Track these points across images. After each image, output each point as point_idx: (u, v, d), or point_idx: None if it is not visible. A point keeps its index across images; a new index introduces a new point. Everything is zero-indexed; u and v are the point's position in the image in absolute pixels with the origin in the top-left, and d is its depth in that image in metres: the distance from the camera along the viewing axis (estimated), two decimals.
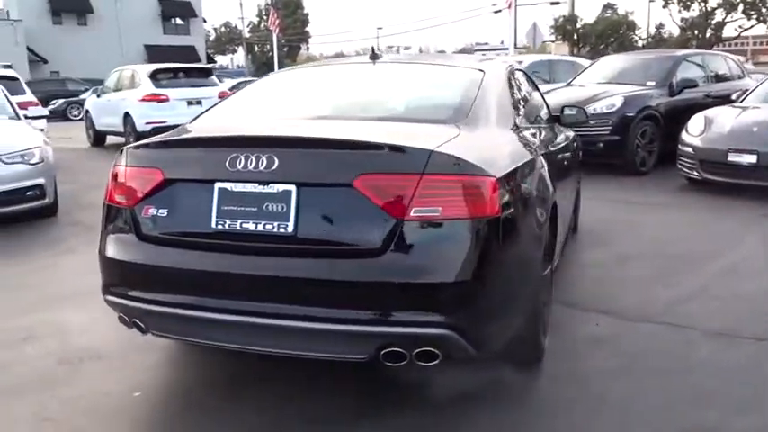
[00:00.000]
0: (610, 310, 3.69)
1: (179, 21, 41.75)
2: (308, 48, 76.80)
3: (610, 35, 47.31)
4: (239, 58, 75.84)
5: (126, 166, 2.58)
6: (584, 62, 12.04)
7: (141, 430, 2.53)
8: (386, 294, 2.19)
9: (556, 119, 4.49)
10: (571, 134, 4.94)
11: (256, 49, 71.99)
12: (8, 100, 7.59)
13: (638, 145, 8.57)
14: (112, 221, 2.60)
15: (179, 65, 13.72)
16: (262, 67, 59.87)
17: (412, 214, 2.18)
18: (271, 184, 2.30)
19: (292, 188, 2.28)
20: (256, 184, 2.32)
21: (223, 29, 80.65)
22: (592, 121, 8.56)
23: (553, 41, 44.01)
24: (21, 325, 3.51)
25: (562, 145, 4.10)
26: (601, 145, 8.45)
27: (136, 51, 36.37)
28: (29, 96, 11.08)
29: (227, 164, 2.32)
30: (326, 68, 3.85)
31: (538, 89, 4.41)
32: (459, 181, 2.23)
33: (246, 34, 71.18)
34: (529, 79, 4.16)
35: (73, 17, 36.89)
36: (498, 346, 2.45)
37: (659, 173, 8.40)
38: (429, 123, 2.64)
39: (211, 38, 79.51)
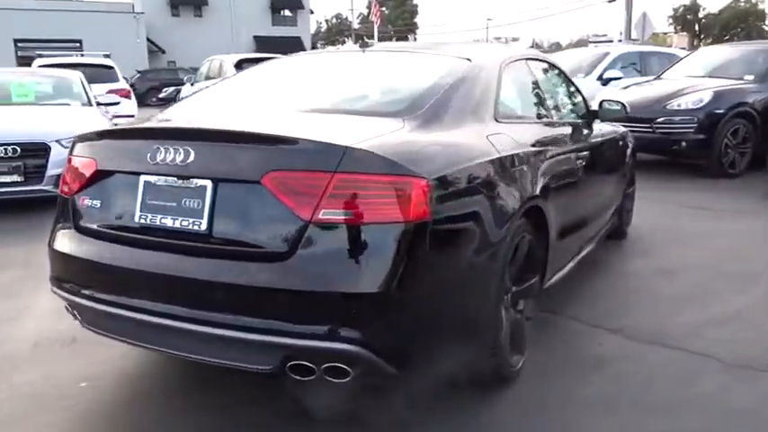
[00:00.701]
0: (624, 329, 3.30)
1: (287, 12, 42.95)
2: (415, 38, 76.70)
3: (735, 25, 43.64)
4: None
5: (71, 155, 2.55)
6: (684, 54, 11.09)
7: (70, 420, 2.49)
8: (290, 303, 2.01)
9: (594, 114, 4.11)
10: (614, 131, 4.51)
11: (365, 40, 72.97)
12: (84, 87, 7.99)
13: (727, 145, 7.77)
14: (60, 211, 2.59)
15: (264, 54, 13.99)
16: None
17: (320, 216, 1.99)
18: (189, 179, 2.18)
19: (208, 183, 2.15)
20: (176, 179, 2.21)
21: (334, 20, 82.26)
22: (676, 118, 7.94)
23: (666, 33, 41.16)
24: (16, 306, 3.61)
25: (588, 143, 3.72)
26: (684, 144, 7.76)
27: (246, 42, 37.77)
28: (121, 84, 11.70)
29: (150, 156, 2.22)
30: (313, 57, 3.67)
31: (570, 81, 4.03)
32: (377, 181, 2.01)
33: (356, 25, 72.21)
34: (550, 71, 3.80)
35: (190, 10, 38.84)
36: (430, 366, 2.19)
37: (751, 176, 7.58)
38: (376, 116, 2.42)
39: (322, 29, 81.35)
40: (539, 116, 3.30)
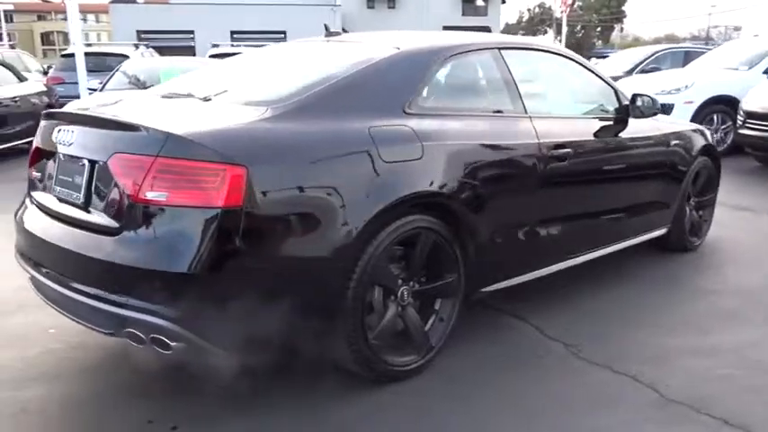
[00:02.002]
0: (581, 346, 3.01)
1: (479, 2, 42.76)
2: (621, 28, 72.06)
3: None
4: (549, 39, 74.57)
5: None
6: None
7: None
8: (119, 276, 2.19)
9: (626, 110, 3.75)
10: (667, 128, 4.07)
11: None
12: None
13: None
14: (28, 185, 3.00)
15: None
16: (569, 48, 58.11)
17: (142, 197, 2.15)
18: (77, 158, 2.46)
19: (86, 162, 2.41)
20: (71, 157, 2.50)
21: (537, 9, 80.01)
22: None
23: None
24: None
25: (599, 140, 3.48)
26: None
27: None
28: None
29: (59, 137, 2.54)
30: (275, 48, 3.73)
31: (592, 75, 3.72)
32: (194, 167, 2.12)
33: (558, 14, 69.57)
34: (549, 62, 3.56)
35: (384, 2, 40.37)
36: (270, 348, 2.24)
37: None
38: (248, 105, 2.49)
39: (524, 18, 79.60)
40: (497, 110, 3.10)
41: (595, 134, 3.53)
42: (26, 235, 2.68)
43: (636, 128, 3.81)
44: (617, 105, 3.79)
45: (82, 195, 2.42)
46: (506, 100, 3.14)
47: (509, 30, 74.98)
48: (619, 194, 3.74)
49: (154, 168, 2.13)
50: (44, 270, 2.52)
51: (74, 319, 2.43)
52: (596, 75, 3.79)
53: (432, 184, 2.60)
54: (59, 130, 2.54)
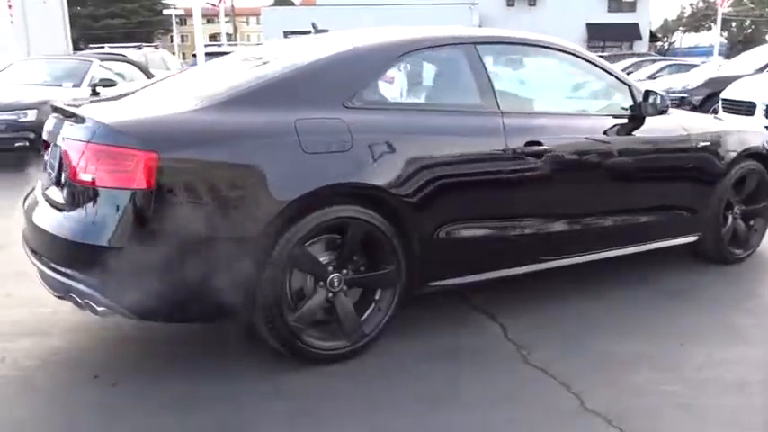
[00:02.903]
0: (530, 347, 2.93)
1: None
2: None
3: None
4: (713, 36, 68.46)
5: None
6: None
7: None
8: (61, 247, 2.53)
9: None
10: (692, 129, 3.80)
11: (734, 25, 64.54)
12: None
13: None
14: None
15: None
16: (737, 45, 53.45)
17: (77, 178, 2.46)
18: (57, 145, 2.82)
19: (59, 147, 2.77)
20: (54, 144, 2.87)
21: (700, 3, 74.23)
22: None
23: None
24: None
25: (599, 139, 3.41)
26: None
27: (577, 30, 36.94)
28: None
29: (53, 127, 2.93)
30: (256, 46, 3.93)
31: (600, 71, 3.59)
32: (113, 152, 2.40)
33: (726, 9, 64.06)
34: (543, 58, 3.49)
35: (524, 0, 39.56)
36: (165, 313, 2.50)
37: None
38: (192, 99, 2.69)
39: (686, 13, 74.21)
40: (458, 106, 3.09)
41: (595, 132, 3.41)
42: (25, 216, 3.10)
43: (654, 126, 3.61)
44: (631, 103, 3.60)
45: (54, 177, 2.79)
46: (473, 96, 3.12)
47: (667, 27, 70.33)
48: (618, 197, 3.56)
49: (86, 152, 2.43)
50: (28, 246, 2.91)
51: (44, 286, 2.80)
52: (606, 71, 3.63)
53: (360, 175, 2.69)
54: (54, 121, 2.93)
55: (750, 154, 4.09)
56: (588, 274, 3.72)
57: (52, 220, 2.61)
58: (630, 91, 3.63)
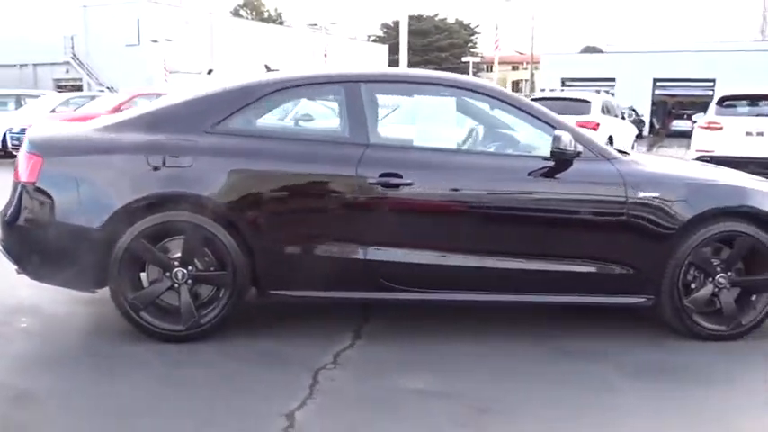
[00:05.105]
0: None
1: None
2: None
3: None
4: None
5: None
6: None
7: None
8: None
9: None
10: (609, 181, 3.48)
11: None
12: None
13: None
14: None
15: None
16: None
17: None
18: None
19: None
20: None
21: None
22: None
23: None
24: None
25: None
26: None
27: None
28: (590, 118, 12.46)
29: None
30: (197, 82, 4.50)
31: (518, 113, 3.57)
32: (25, 156, 3.35)
33: None
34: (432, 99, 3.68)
35: None
36: (50, 271, 3.31)
37: None
38: (108, 122, 3.54)
39: None
40: (318, 137, 3.42)
41: (480, 169, 3.42)
42: None
43: (570, 171, 3.41)
44: (546, 144, 3.45)
45: None
46: (341, 128, 3.44)
47: None
48: (503, 238, 3.44)
49: (23, 157, 3.43)
50: None
51: None
52: (520, 108, 3.55)
53: (195, 187, 3.24)
54: None
55: (733, 213, 3.50)
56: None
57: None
58: (547, 132, 3.46)
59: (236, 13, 60.44)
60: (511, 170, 3.47)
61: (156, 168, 3.25)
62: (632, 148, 14.63)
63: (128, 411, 2.68)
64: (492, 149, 3.66)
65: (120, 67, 36.05)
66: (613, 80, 31.87)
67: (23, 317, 3.71)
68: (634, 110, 27.54)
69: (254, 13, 63.96)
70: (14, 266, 3.42)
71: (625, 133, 14.21)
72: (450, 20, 67.40)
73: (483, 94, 3.61)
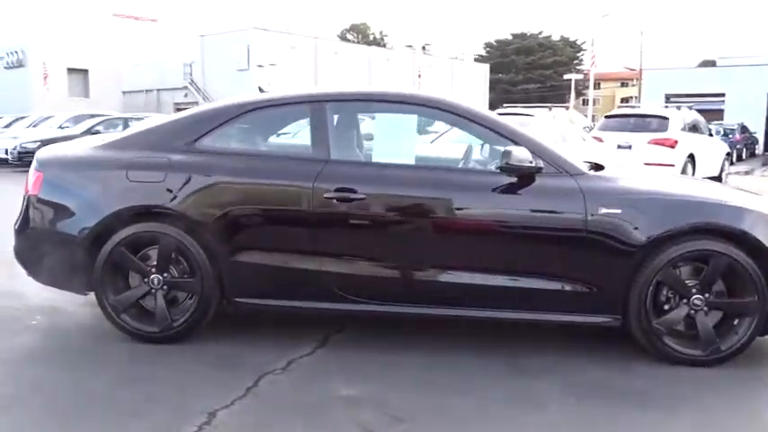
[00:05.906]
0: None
1: None
2: None
3: None
4: None
5: None
6: None
7: None
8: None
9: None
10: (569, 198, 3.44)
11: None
12: None
13: None
14: None
15: None
16: None
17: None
18: None
19: None
20: None
21: None
22: None
23: None
24: None
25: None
26: None
27: None
28: (667, 135, 11.85)
29: None
30: None
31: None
32: (32, 173, 3.79)
33: None
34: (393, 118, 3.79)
35: None
36: (50, 275, 3.70)
37: None
38: (107, 140, 3.92)
39: None
40: (282, 154, 3.61)
41: (440, 184, 3.49)
42: None
43: (532, 186, 3.41)
44: (500, 158, 3.48)
45: None
46: (306, 145, 3.62)
47: None
48: (457, 253, 3.48)
49: (32, 173, 3.88)
50: None
51: None
52: (489, 128, 3.57)
53: (167, 200, 3.53)
54: None
55: (704, 230, 3.34)
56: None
57: None
58: (506, 144, 3.48)
59: (342, 37, 62.60)
60: (470, 185, 3.51)
61: (133, 183, 3.59)
62: (722, 167, 13.76)
63: (72, 405, 2.95)
64: (453, 165, 3.69)
65: (231, 90, 38.37)
66: (723, 95, 30.05)
67: (38, 315, 4.15)
68: (745, 127, 25.78)
69: (359, 37, 65.93)
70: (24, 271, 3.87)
71: (711, 151, 13.38)
72: (555, 37, 66.27)
73: (443, 110, 3.68)
